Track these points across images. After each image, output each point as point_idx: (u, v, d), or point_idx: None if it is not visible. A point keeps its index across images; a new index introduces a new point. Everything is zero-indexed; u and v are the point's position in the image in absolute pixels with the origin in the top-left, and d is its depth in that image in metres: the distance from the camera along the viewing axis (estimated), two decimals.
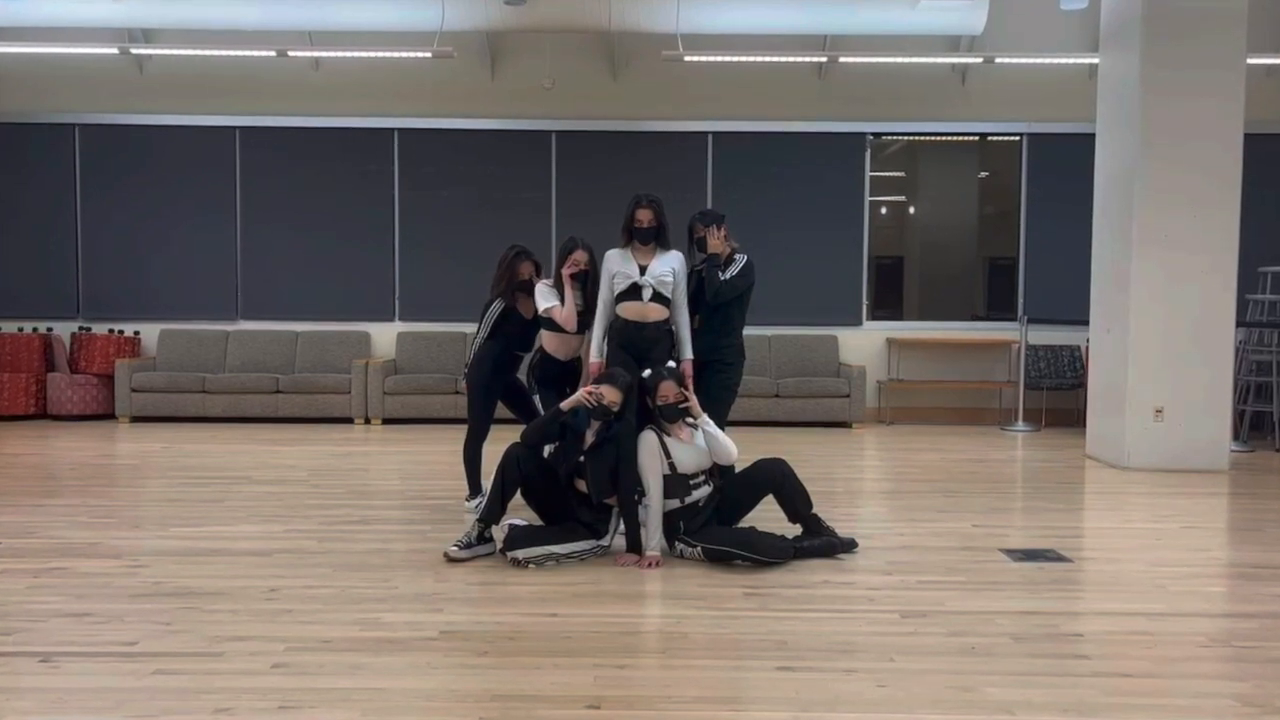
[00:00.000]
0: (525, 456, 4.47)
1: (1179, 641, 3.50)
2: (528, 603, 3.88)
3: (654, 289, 4.98)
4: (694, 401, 4.56)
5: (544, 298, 5.22)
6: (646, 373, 4.61)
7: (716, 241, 5.03)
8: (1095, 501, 6.17)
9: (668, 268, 4.99)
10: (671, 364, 4.78)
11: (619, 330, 5.05)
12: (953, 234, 10.54)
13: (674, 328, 5.04)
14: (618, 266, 5.03)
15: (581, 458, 4.47)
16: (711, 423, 4.59)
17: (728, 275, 4.99)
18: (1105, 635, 3.56)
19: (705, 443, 4.56)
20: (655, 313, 5.02)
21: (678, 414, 4.52)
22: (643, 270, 4.99)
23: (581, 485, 4.50)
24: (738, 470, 4.82)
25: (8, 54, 9.26)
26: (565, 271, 5.18)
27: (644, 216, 4.99)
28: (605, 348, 5.07)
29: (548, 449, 4.72)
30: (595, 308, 5.12)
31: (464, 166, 9.63)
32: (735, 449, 4.59)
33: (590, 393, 4.49)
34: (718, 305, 5.02)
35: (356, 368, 9.20)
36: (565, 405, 4.52)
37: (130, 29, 9.16)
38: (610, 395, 4.46)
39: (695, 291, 5.11)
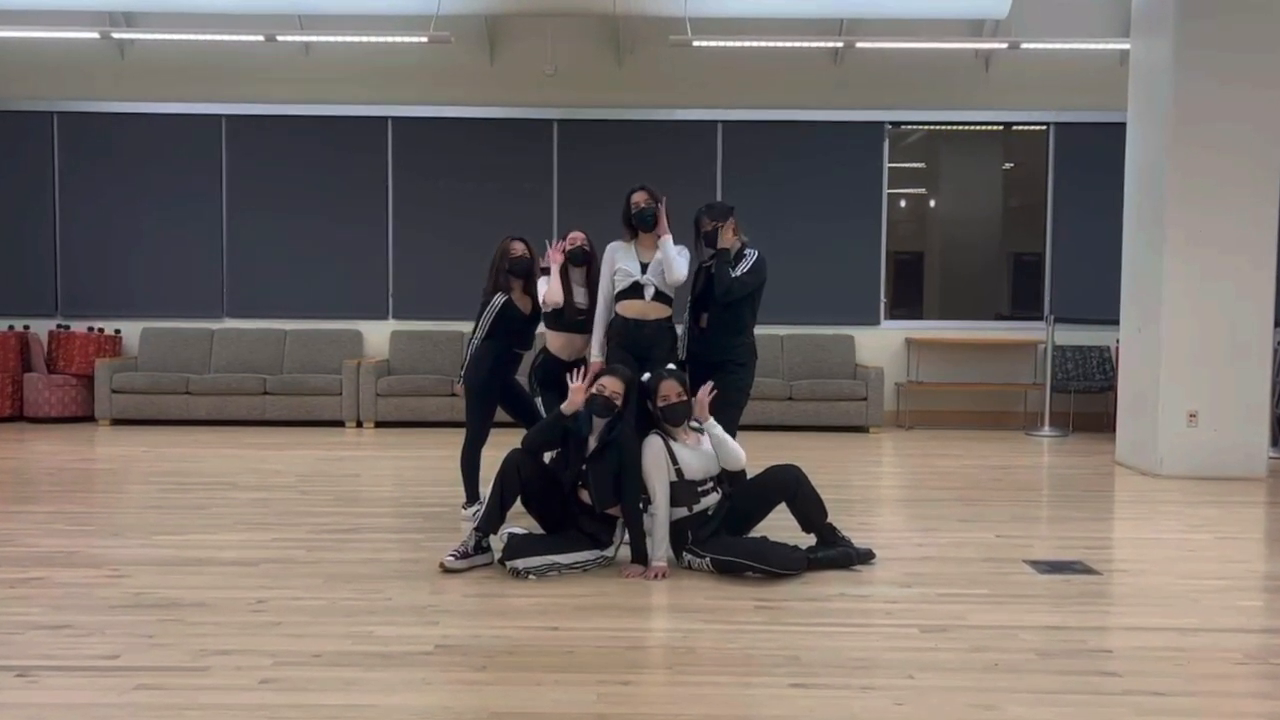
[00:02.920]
0: (525, 463, 4.48)
1: (1213, 658, 3.50)
2: (528, 615, 3.88)
3: (655, 287, 5.02)
4: (699, 401, 4.56)
5: (544, 286, 5.25)
6: (646, 376, 4.61)
7: (729, 235, 5.04)
8: (1125, 510, 6.16)
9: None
10: (672, 366, 4.80)
11: (618, 329, 5.09)
12: (975, 228, 10.54)
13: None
14: (620, 262, 5.07)
15: (584, 465, 4.47)
16: (718, 426, 4.59)
17: (738, 272, 5.00)
18: (1135, 651, 3.55)
19: (712, 448, 4.57)
20: (656, 311, 5.06)
21: (683, 415, 4.53)
22: (644, 268, 5.03)
23: (585, 495, 4.50)
24: (748, 477, 4.83)
25: None
26: (559, 246, 5.21)
27: (639, 198, 5.07)
28: (605, 346, 5.10)
29: (549, 455, 4.73)
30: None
31: (461, 157, 9.64)
32: (744, 454, 4.59)
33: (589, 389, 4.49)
34: (727, 303, 5.03)
35: (348, 368, 9.21)
36: (566, 408, 4.52)
37: (111, 12, 9.19)
38: (612, 386, 4.47)
39: (703, 290, 5.13)
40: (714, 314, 5.09)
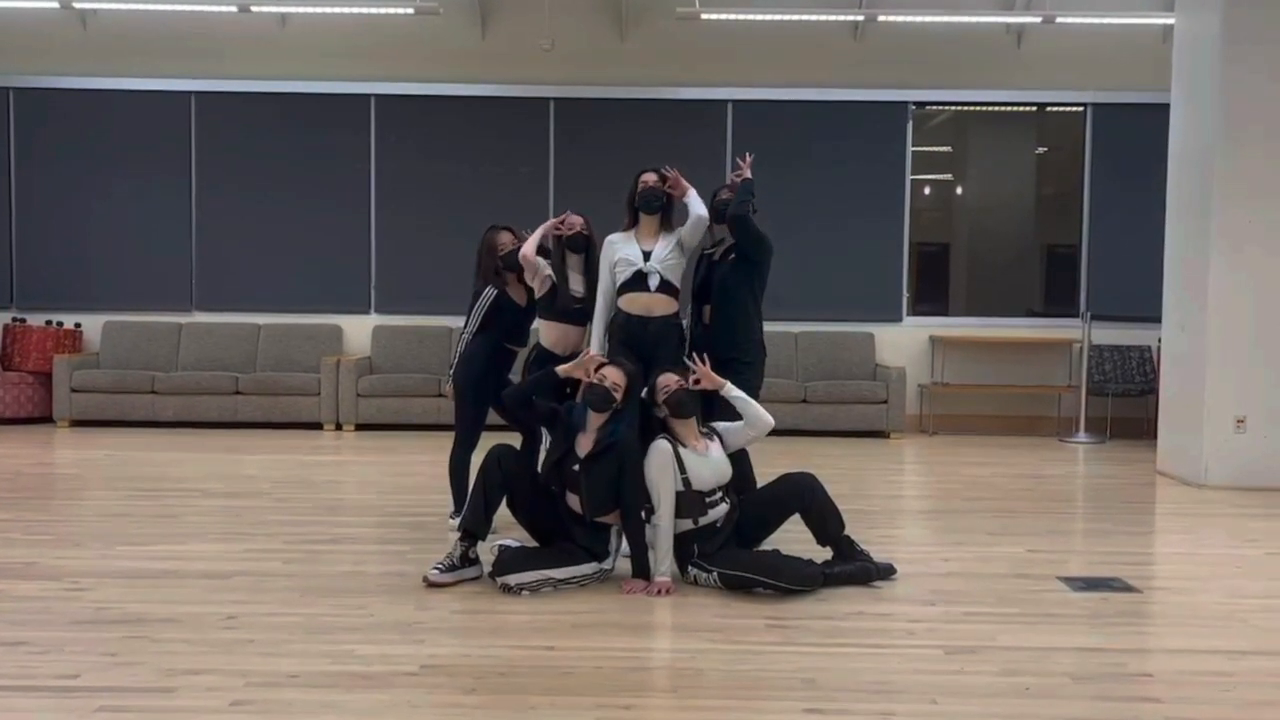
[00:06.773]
0: (507, 455, 4.50)
1: (1263, 683, 3.50)
2: (521, 634, 3.89)
3: (660, 276, 5.02)
4: (705, 371, 4.56)
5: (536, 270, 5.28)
6: (645, 391, 4.62)
7: (745, 169, 5.06)
8: (1167, 523, 6.17)
9: (671, 245, 5.07)
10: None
11: (621, 326, 5.09)
12: (1006, 217, 10.53)
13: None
14: (620, 252, 5.08)
15: (575, 466, 4.47)
16: (736, 389, 4.59)
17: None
18: (1178, 675, 3.56)
19: (722, 453, 4.57)
20: (662, 305, 5.06)
21: (691, 407, 4.53)
22: (647, 256, 5.03)
23: (573, 502, 4.49)
24: (760, 486, 4.84)
25: None
26: (550, 224, 5.25)
27: (649, 178, 5.11)
28: (606, 344, 5.11)
29: (542, 461, 4.74)
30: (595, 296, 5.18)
31: (451, 138, 9.65)
32: (769, 417, 4.61)
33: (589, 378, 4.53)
34: (729, 295, 5.04)
35: (326, 366, 9.22)
36: (563, 370, 4.62)
37: None
38: (613, 376, 4.48)
39: (704, 280, 5.15)
40: (717, 306, 5.10)
